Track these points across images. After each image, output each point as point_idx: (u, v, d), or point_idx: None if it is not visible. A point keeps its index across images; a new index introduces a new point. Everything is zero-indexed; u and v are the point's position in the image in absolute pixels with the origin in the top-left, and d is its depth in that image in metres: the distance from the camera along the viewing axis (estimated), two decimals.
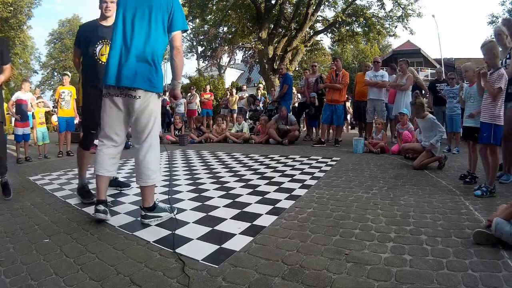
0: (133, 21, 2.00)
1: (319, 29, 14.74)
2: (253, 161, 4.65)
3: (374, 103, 6.32)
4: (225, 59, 27.92)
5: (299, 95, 7.94)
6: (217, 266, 1.53)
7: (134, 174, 3.85)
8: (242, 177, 3.51)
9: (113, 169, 2.17)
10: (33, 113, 6.61)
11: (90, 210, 2.44)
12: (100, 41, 2.66)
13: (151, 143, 2.08)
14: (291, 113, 7.22)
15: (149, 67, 2.00)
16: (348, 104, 9.40)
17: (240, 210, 2.35)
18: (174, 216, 2.22)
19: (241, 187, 3.07)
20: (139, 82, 1.98)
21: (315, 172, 3.66)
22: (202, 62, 28.16)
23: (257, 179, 3.40)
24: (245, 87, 12.76)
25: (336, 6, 14.04)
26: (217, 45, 17.89)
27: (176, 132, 8.26)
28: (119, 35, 2.02)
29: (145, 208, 2.12)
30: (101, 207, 2.10)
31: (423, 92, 6.77)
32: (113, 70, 1.99)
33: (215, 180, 3.42)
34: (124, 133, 2.16)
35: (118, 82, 1.98)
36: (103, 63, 2.54)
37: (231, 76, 27.52)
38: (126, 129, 2.17)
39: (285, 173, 3.68)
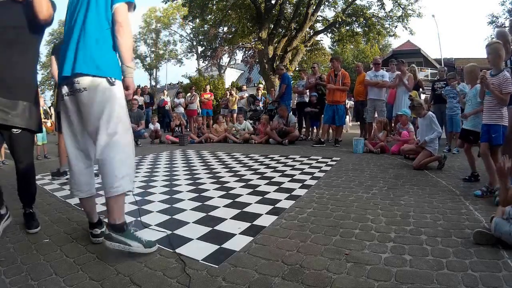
0: (76, 6, 1.67)
1: (319, 29, 14.73)
2: (253, 161, 4.65)
3: (375, 103, 6.33)
4: (225, 59, 27.98)
5: (297, 95, 7.96)
6: (217, 266, 1.53)
7: (134, 174, 3.84)
8: (242, 177, 3.51)
9: (89, 187, 1.81)
10: None
11: None
12: None
13: (114, 140, 1.60)
14: (291, 113, 7.22)
15: (92, 44, 1.59)
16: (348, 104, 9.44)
17: (240, 210, 2.35)
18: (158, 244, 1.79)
19: (241, 187, 3.07)
20: (81, 64, 1.56)
21: (315, 172, 3.66)
22: (202, 62, 28.19)
23: (257, 179, 3.40)
24: (245, 87, 12.76)
25: (336, 6, 14.03)
26: (217, 45, 17.88)
27: (176, 129, 8.28)
28: (66, 24, 1.71)
29: (110, 225, 1.61)
30: (97, 231, 1.83)
31: (421, 90, 6.81)
32: (59, 64, 1.66)
33: (215, 180, 3.42)
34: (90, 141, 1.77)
35: (60, 73, 1.63)
36: None
37: (231, 76, 27.53)
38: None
39: (285, 173, 3.68)
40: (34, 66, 2.08)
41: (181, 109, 10.63)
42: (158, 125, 8.48)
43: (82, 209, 1.92)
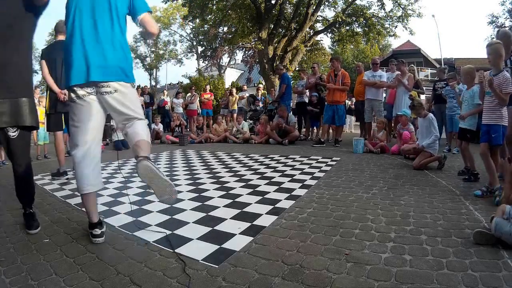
0: (93, 11, 1.79)
1: (319, 29, 14.73)
2: (253, 161, 4.65)
3: (372, 103, 6.34)
4: (225, 59, 27.97)
5: (296, 95, 7.97)
6: (217, 266, 1.53)
7: (135, 174, 3.83)
8: (242, 177, 3.51)
9: (99, 181, 1.91)
10: None
11: None
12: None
13: (141, 121, 1.92)
14: (291, 113, 7.23)
15: (120, 51, 1.83)
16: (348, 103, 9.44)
17: (240, 210, 2.35)
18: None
19: (241, 187, 3.07)
20: (112, 74, 1.79)
21: (315, 172, 3.66)
22: (202, 62, 28.19)
23: (257, 179, 3.40)
24: (245, 87, 12.76)
25: (336, 6, 14.04)
26: (217, 45, 17.89)
27: (176, 129, 8.28)
28: (76, 28, 1.79)
29: (145, 157, 1.80)
30: (97, 231, 1.85)
31: (419, 89, 6.82)
32: (79, 65, 1.76)
33: (215, 180, 3.42)
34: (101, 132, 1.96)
35: (88, 78, 1.75)
36: None
37: (231, 76, 27.54)
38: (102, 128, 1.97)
39: (285, 173, 3.68)
40: (29, 60, 2.06)
41: (180, 109, 10.62)
42: (161, 126, 8.49)
43: (83, 208, 1.93)
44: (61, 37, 3.86)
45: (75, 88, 1.80)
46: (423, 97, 7.21)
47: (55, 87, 3.60)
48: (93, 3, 1.80)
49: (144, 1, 1.92)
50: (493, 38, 3.48)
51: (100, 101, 1.85)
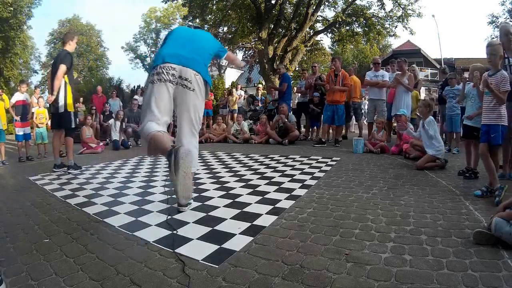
0: (198, 41, 2.42)
1: (319, 29, 14.73)
2: (253, 161, 4.65)
3: (375, 103, 6.32)
4: None
5: (298, 95, 7.98)
6: (217, 266, 1.53)
7: (135, 174, 3.83)
8: (242, 177, 3.51)
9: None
10: (32, 113, 6.60)
11: (90, 210, 2.45)
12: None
13: (195, 134, 2.34)
14: (291, 113, 7.22)
15: (203, 66, 2.30)
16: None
17: (240, 210, 2.35)
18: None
19: (241, 187, 3.07)
20: (197, 66, 2.21)
21: (315, 172, 3.66)
22: None
23: (257, 179, 3.40)
24: (239, 86, 12.81)
25: (336, 6, 14.03)
26: None
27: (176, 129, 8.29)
28: (179, 39, 2.38)
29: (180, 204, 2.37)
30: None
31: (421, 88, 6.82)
32: (173, 53, 2.20)
33: (215, 180, 3.42)
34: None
35: (179, 62, 2.14)
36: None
37: (231, 76, 27.51)
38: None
39: (285, 173, 3.68)
40: None
41: None
42: None
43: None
44: (68, 47, 4.26)
45: (161, 71, 2.11)
46: (422, 96, 7.19)
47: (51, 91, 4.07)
48: (201, 38, 2.46)
49: (223, 48, 2.66)
50: (493, 38, 3.45)
51: (175, 90, 2.16)
